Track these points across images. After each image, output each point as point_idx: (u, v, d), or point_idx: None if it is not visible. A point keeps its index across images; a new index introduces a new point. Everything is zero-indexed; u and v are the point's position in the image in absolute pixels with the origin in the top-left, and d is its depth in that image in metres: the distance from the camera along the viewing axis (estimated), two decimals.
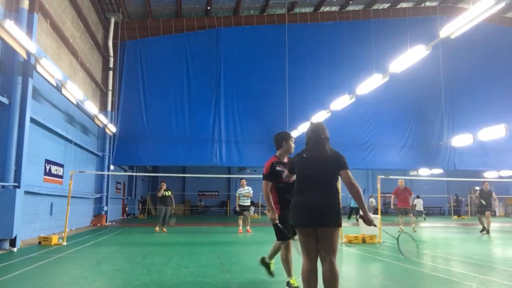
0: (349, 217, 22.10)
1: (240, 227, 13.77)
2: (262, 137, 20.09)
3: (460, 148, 20.97)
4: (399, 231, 13.94)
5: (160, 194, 13.85)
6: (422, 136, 21.63)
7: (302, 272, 3.75)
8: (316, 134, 3.97)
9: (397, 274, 6.23)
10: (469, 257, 7.94)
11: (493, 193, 14.16)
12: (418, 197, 25.82)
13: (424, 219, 24.98)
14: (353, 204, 21.42)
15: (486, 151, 21.44)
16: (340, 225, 3.71)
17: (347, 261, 7.93)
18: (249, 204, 14.01)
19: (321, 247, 3.68)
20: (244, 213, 13.93)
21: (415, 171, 23.69)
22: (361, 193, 3.81)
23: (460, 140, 19.38)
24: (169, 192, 13.97)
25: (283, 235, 4.84)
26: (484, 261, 7.54)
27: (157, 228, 13.80)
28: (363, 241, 10.31)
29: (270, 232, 15.34)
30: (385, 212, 32.55)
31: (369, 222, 3.85)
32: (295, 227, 3.83)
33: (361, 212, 3.88)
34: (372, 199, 27.38)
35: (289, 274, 4.93)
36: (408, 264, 7.04)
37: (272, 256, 5.34)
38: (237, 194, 13.99)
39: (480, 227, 14.24)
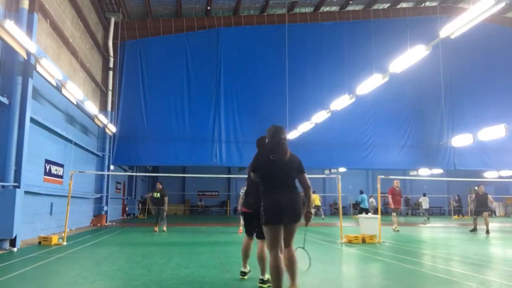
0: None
1: (241, 227, 13.74)
2: None
3: (460, 148, 20.97)
4: (396, 230, 14.03)
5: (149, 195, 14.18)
6: (422, 136, 21.64)
7: (277, 264, 4.05)
8: (278, 137, 4.25)
9: (397, 274, 6.23)
10: (469, 257, 7.94)
11: (489, 196, 14.27)
12: (424, 195, 25.76)
13: (428, 218, 24.84)
14: (363, 205, 21.50)
15: (486, 151, 21.44)
16: (300, 219, 4.22)
17: (347, 261, 7.93)
18: None
19: (287, 236, 4.17)
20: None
21: (415, 171, 23.70)
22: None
23: (460, 140, 19.38)
24: (158, 194, 13.97)
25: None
26: (484, 261, 7.54)
27: (155, 228, 13.89)
28: (363, 241, 10.30)
29: None
30: (385, 212, 32.56)
31: (308, 218, 4.29)
32: (270, 224, 4.09)
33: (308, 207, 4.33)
34: (372, 199, 27.37)
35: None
36: (408, 264, 7.04)
37: (265, 269, 5.13)
38: (241, 193, 13.86)
39: (472, 226, 14.54)
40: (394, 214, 14.64)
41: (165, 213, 13.94)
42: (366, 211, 21.42)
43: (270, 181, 4.16)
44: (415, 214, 33.10)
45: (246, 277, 5.59)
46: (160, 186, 14.13)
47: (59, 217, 12.58)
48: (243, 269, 5.64)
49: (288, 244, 4.22)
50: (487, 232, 13.61)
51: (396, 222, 14.44)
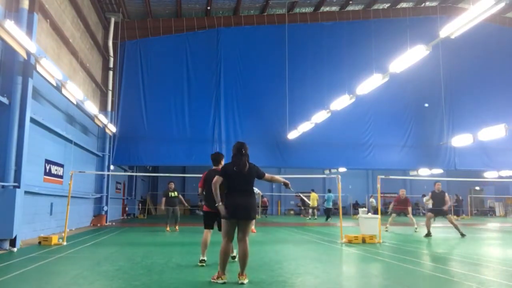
0: (327, 219, 22.12)
1: (252, 227, 13.71)
2: (262, 137, 20.10)
3: (460, 148, 20.96)
4: (416, 229, 14.31)
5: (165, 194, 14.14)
6: (422, 136, 21.64)
7: (226, 249, 5.23)
8: (239, 152, 5.30)
9: (397, 274, 6.23)
10: (469, 257, 7.94)
11: (446, 194, 13.36)
12: (423, 196, 25.77)
13: (435, 219, 24.79)
14: (327, 205, 21.74)
15: (486, 151, 21.44)
16: (255, 217, 5.43)
17: (347, 261, 7.93)
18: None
19: (241, 233, 5.24)
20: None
21: (415, 171, 23.71)
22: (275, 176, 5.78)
23: (460, 140, 19.37)
24: (175, 193, 14.03)
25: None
26: (484, 261, 7.54)
27: (167, 228, 13.89)
28: (363, 241, 10.30)
29: (270, 232, 15.24)
30: (385, 212, 32.54)
31: (287, 184, 5.64)
32: (228, 219, 5.20)
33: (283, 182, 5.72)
34: (372, 199, 27.37)
35: (203, 254, 6.77)
36: (408, 264, 7.04)
37: (204, 253, 6.85)
38: None
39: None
40: (393, 215, 15.30)
41: (178, 211, 14.19)
42: (329, 211, 21.69)
43: (232, 186, 5.24)
44: (414, 214, 33.08)
45: (205, 264, 6.60)
46: (173, 185, 14.22)
47: (59, 217, 12.58)
48: (202, 258, 6.69)
49: (242, 238, 5.23)
50: (462, 234, 12.53)
51: (390, 223, 15.03)
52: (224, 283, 5.18)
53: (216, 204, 5.33)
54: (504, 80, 22.39)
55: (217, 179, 5.30)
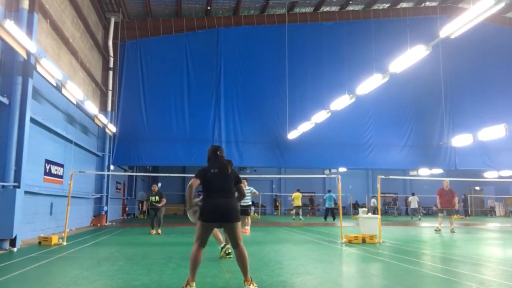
0: (325, 218, 22.09)
1: (246, 227, 13.67)
2: (262, 137, 20.11)
3: (460, 148, 20.97)
4: (436, 230, 14.17)
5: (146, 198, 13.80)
6: (422, 136, 21.64)
7: (194, 255, 4.87)
8: (215, 154, 5.10)
9: (397, 274, 6.22)
10: (469, 257, 7.94)
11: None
12: (413, 194, 25.87)
13: (411, 218, 25.03)
14: (327, 205, 21.73)
15: (486, 151, 21.45)
16: (238, 220, 4.94)
17: (347, 261, 7.93)
18: (249, 204, 13.84)
19: (231, 238, 4.91)
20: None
21: (415, 171, 23.72)
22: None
23: (460, 140, 19.38)
24: (157, 197, 13.57)
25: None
26: (484, 261, 7.54)
27: (152, 231, 13.46)
28: (363, 241, 10.30)
29: (270, 232, 15.25)
30: (385, 212, 32.55)
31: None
32: (203, 221, 4.87)
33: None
34: (374, 200, 27.34)
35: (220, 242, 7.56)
36: (408, 264, 7.04)
37: (220, 240, 7.64)
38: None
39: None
40: (440, 214, 14.56)
41: (162, 214, 13.70)
42: (332, 211, 21.64)
43: (209, 188, 4.92)
44: (410, 213, 33.12)
45: (228, 245, 7.14)
46: (156, 188, 13.78)
47: (59, 217, 12.58)
48: (220, 245, 7.42)
49: (235, 245, 4.88)
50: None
51: (440, 222, 14.41)
52: None
53: (187, 208, 5.02)
54: (504, 80, 22.40)
55: (193, 182, 4.88)
